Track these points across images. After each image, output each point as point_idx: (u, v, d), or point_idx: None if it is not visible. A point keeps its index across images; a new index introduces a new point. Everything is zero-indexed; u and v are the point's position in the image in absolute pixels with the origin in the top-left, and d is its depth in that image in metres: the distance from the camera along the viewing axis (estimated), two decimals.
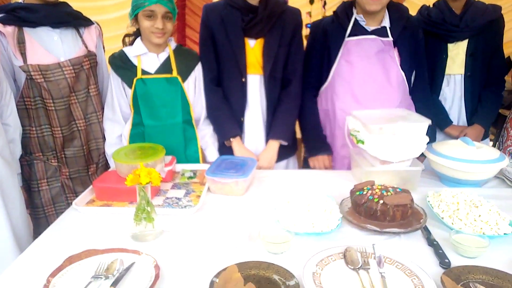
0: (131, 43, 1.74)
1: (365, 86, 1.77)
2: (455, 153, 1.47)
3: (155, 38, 1.64)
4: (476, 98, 2.00)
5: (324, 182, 1.59)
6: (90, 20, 1.79)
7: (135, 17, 1.65)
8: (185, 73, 1.74)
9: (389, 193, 1.21)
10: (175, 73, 1.71)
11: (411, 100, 1.86)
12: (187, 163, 1.74)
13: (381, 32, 1.76)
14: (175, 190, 1.49)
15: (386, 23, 1.77)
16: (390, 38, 1.75)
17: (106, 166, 1.87)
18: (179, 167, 1.70)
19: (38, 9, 1.60)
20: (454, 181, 1.49)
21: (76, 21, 1.72)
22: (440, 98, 2.02)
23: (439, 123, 2.01)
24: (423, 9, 2.04)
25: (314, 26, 1.94)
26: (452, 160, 1.45)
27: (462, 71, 1.96)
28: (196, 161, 1.80)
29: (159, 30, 1.61)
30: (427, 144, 1.49)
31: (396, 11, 1.79)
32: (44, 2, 1.62)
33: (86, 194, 1.42)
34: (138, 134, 1.74)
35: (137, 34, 1.73)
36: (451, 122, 2.02)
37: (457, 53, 1.96)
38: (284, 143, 1.87)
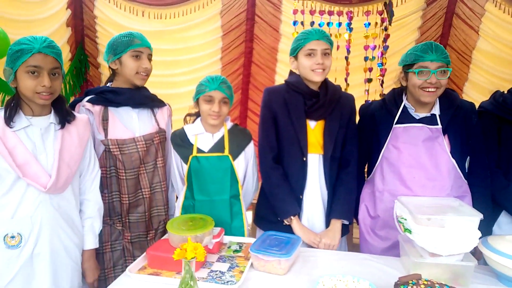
0: (192, 122, 1.95)
1: (413, 172, 1.77)
2: None
3: (211, 119, 1.83)
4: None
5: (371, 268, 1.56)
6: (163, 102, 2.05)
7: (196, 101, 1.88)
8: (236, 152, 1.88)
9: None
10: (226, 152, 1.85)
11: (466, 186, 1.80)
12: (232, 235, 1.82)
13: (430, 119, 1.78)
14: (220, 263, 1.56)
15: (436, 110, 1.79)
16: (439, 126, 1.76)
17: (164, 233, 2.01)
18: (227, 239, 1.78)
19: (123, 92, 1.88)
20: None
21: (152, 103, 1.98)
22: None
23: None
24: (498, 95, 1.96)
25: (363, 109, 2.02)
26: (509, 258, 1.35)
27: None
28: (241, 234, 1.87)
29: (215, 113, 1.81)
30: (483, 237, 1.42)
31: (447, 98, 1.81)
32: (130, 86, 1.90)
33: (140, 261, 1.54)
34: (189, 206, 1.88)
35: (198, 114, 1.94)
36: None
37: None
38: (346, 222, 1.90)
